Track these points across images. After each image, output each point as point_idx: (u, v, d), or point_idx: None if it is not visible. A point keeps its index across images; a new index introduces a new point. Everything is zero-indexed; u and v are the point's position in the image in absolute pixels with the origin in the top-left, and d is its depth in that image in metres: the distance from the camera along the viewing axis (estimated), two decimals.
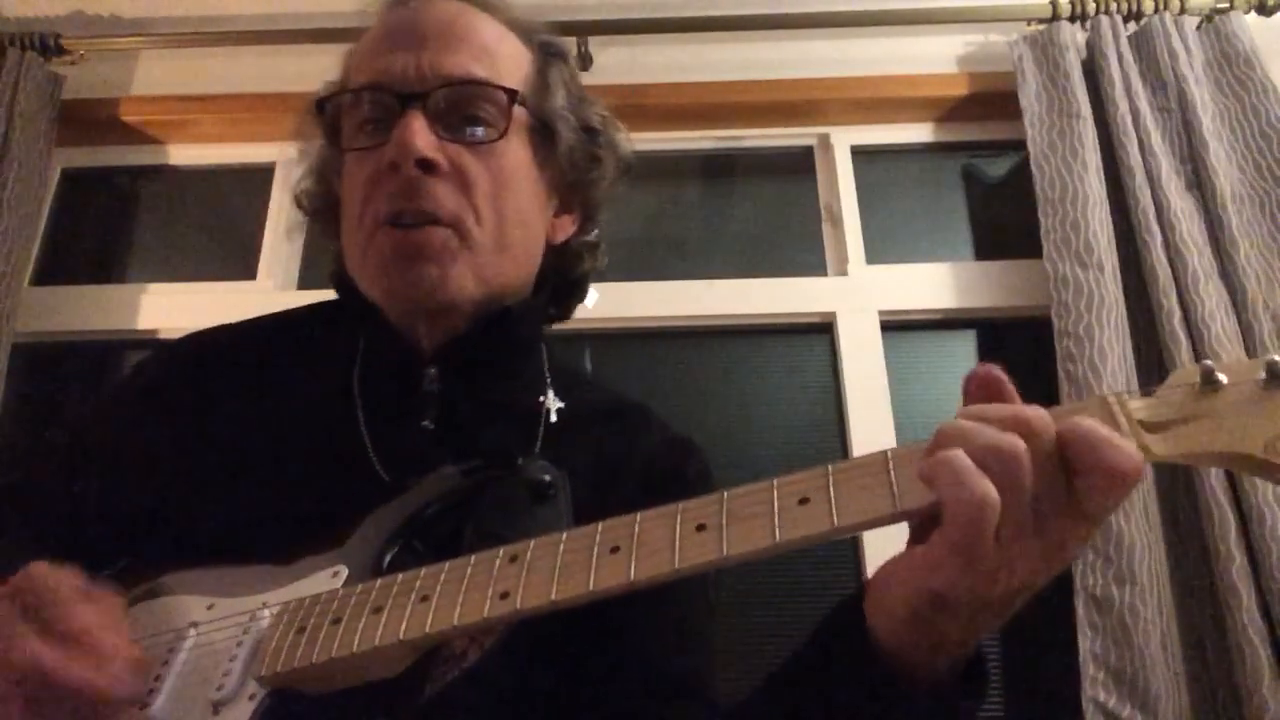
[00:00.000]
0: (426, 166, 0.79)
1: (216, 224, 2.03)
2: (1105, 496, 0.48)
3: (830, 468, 0.56)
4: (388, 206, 0.81)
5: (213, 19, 2.01)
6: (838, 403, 1.78)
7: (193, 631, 0.70)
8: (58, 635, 0.60)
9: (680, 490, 0.90)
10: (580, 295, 1.00)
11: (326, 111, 0.88)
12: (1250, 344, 1.51)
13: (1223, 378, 0.50)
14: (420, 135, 0.79)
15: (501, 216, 0.83)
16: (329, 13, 1.93)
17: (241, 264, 1.95)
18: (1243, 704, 1.33)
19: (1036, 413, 0.50)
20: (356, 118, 0.85)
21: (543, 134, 0.88)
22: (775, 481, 0.57)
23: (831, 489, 0.54)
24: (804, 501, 0.55)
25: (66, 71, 1.93)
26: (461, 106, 0.82)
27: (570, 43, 0.97)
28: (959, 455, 0.49)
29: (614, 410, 0.95)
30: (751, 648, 1.57)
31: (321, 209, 0.95)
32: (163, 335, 1.85)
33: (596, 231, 0.99)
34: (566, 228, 0.94)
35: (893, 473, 0.54)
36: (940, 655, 0.55)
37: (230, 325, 0.96)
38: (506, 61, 0.86)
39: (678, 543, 0.56)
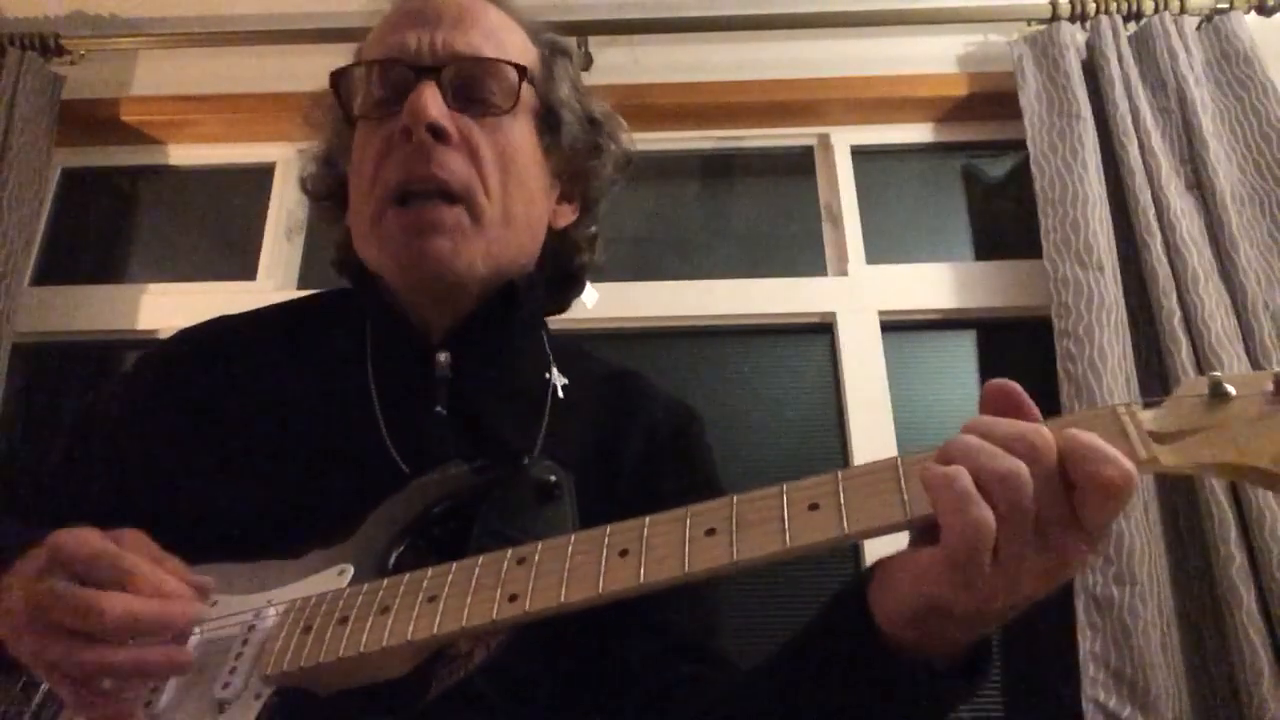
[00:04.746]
0: (437, 133, 0.81)
1: (216, 224, 2.03)
2: (1100, 510, 0.49)
3: (840, 474, 0.56)
4: (398, 175, 0.82)
5: (213, 19, 2.01)
6: (838, 403, 1.78)
7: (196, 628, 0.69)
8: (122, 584, 0.61)
9: (684, 449, 0.93)
10: (578, 288, 1.01)
11: (341, 88, 0.89)
12: (1250, 344, 1.51)
13: (1230, 390, 0.50)
14: (432, 102, 0.80)
15: (507, 190, 0.85)
16: (329, 13, 1.93)
17: (241, 264, 1.95)
18: (1243, 704, 1.33)
19: (1040, 433, 0.50)
20: (370, 93, 0.87)
21: (547, 119, 0.90)
22: (784, 487, 0.57)
23: (842, 495, 0.55)
24: (814, 507, 0.55)
25: (66, 71, 1.93)
26: (472, 83, 0.85)
27: (570, 42, 0.99)
28: (961, 477, 0.50)
29: (611, 377, 0.97)
30: (751, 647, 1.57)
31: (327, 194, 0.96)
32: (162, 335, 1.85)
33: (595, 226, 1.00)
34: (567, 215, 0.96)
35: (903, 480, 0.54)
36: (941, 647, 0.56)
37: (236, 315, 0.96)
38: (514, 47, 0.89)
39: (687, 546, 0.56)
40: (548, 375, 0.92)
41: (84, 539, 0.63)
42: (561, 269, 0.97)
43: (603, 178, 0.96)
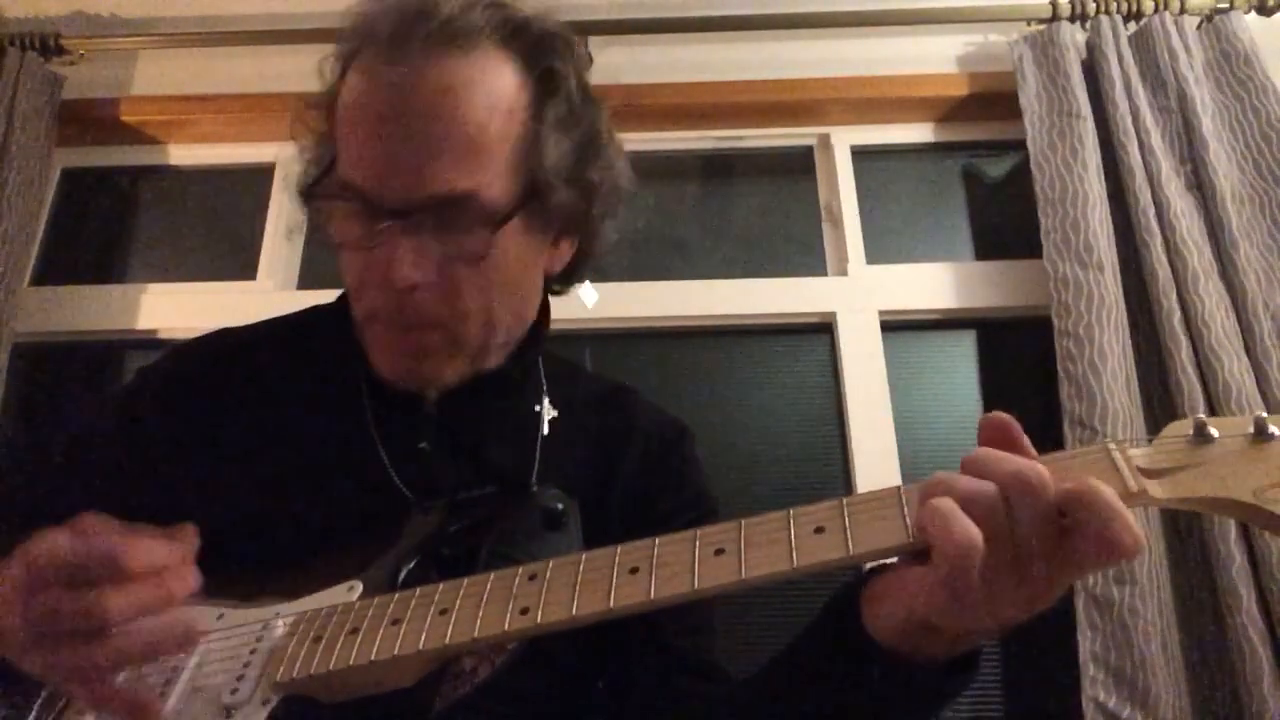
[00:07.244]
0: (412, 288, 0.78)
1: (216, 224, 2.02)
2: (1098, 562, 0.50)
3: (844, 500, 0.58)
4: (375, 308, 0.81)
5: (213, 19, 2.01)
6: (838, 403, 1.78)
7: (203, 639, 0.70)
8: (110, 574, 0.60)
9: (675, 468, 0.94)
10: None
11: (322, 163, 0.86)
12: (1250, 344, 1.51)
13: (1214, 431, 0.55)
14: (402, 265, 0.75)
15: (491, 308, 0.82)
16: (329, 13, 1.93)
17: (241, 264, 1.94)
18: (1243, 704, 1.33)
19: (1036, 472, 0.51)
20: (337, 205, 0.81)
21: (534, 195, 0.80)
22: (790, 512, 0.59)
23: (847, 519, 0.57)
24: (820, 530, 0.57)
25: (66, 71, 1.93)
26: (447, 221, 0.76)
27: (568, 45, 0.89)
28: (947, 500, 0.51)
29: (605, 396, 0.97)
30: (751, 647, 1.57)
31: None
32: (163, 335, 1.85)
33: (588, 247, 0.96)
34: (564, 255, 0.91)
35: (905, 505, 0.56)
36: (928, 657, 0.58)
37: (237, 330, 0.95)
38: (495, 146, 0.77)
39: (696, 565, 0.58)
40: (538, 408, 0.92)
41: (55, 544, 0.61)
42: (557, 292, 0.96)
43: (598, 218, 0.90)
